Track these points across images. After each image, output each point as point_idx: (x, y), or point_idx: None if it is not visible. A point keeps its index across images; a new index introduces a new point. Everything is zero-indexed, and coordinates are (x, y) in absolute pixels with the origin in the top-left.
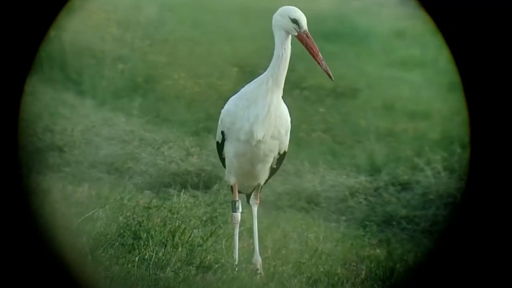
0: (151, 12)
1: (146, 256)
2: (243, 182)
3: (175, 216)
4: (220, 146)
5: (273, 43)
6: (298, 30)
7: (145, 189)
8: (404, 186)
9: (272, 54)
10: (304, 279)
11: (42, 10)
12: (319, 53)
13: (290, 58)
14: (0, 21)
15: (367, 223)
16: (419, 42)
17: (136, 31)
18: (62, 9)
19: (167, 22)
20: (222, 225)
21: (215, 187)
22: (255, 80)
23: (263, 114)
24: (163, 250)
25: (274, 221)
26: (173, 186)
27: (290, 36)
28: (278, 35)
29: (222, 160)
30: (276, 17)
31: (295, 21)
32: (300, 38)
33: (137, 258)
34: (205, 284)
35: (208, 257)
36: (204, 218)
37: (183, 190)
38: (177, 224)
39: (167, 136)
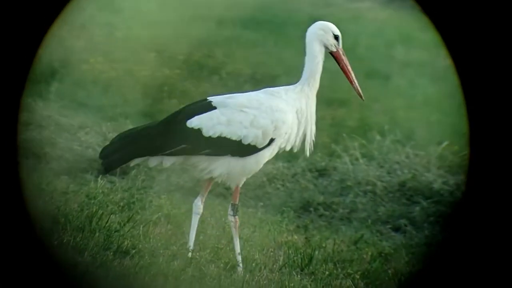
0: None
1: (65, 241)
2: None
3: (92, 201)
4: (246, 149)
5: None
6: (337, 46)
7: (62, 175)
8: (322, 173)
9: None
10: (221, 265)
11: None
12: (352, 73)
13: (209, 43)
14: None
15: (285, 209)
16: (338, 28)
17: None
18: None
19: (86, 8)
20: (139, 210)
21: (133, 173)
22: (288, 88)
23: (314, 131)
24: (80, 235)
25: (191, 208)
26: (90, 172)
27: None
28: (316, 48)
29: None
30: (318, 31)
31: (337, 38)
32: (337, 55)
33: (56, 242)
34: (123, 269)
35: (126, 243)
36: (121, 204)
37: (100, 176)
38: (94, 209)
39: (84, 121)
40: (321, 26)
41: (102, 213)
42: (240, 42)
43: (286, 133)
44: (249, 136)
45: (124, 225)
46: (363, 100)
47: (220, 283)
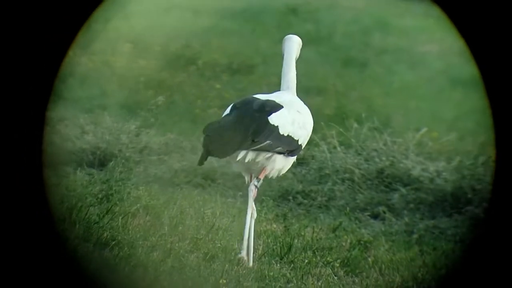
0: None
1: None
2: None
3: (71, 194)
4: (299, 148)
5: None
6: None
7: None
8: (300, 161)
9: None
10: (201, 255)
11: None
12: None
13: (185, 33)
14: None
15: (263, 198)
16: (313, 18)
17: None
18: None
19: None
20: (118, 202)
21: (111, 164)
22: (284, 93)
23: None
24: (61, 227)
25: (171, 198)
26: (69, 164)
27: None
28: (293, 59)
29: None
30: (296, 45)
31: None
32: None
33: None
34: (103, 260)
35: (105, 234)
36: (100, 196)
37: (79, 168)
38: (73, 201)
39: (62, 114)
40: (297, 40)
41: (82, 205)
42: (217, 31)
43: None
44: (303, 136)
45: (103, 217)
46: None
47: (199, 273)
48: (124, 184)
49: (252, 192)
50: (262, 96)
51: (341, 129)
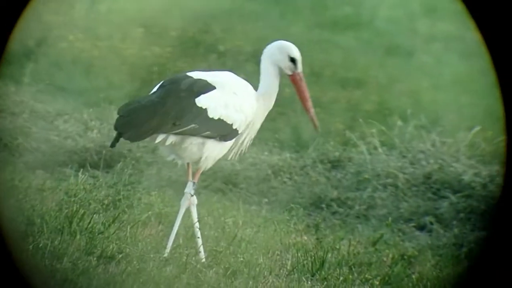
0: None
1: (41, 245)
2: None
3: (72, 199)
4: (233, 133)
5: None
6: (294, 70)
7: (37, 169)
8: (335, 164)
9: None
10: (221, 270)
11: None
12: (309, 99)
13: (205, 17)
14: None
15: (293, 206)
16: None
17: None
18: None
19: None
20: (126, 209)
21: (118, 166)
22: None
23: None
24: (59, 238)
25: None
26: (69, 165)
27: (280, 74)
28: (269, 69)
29: None
30: (273, 50)
31: (293, 60)
32: (293, 79)
33: (31, 247)
34: (108, 276)
35: (111, 246)
36: (105, 202)
37: (81, 170)
38: (74, 208)
39: (63, 108)
40: (277, 45)
41: (84, 212)
42: (241, 14)
43: (250, 123)
44: (238, 120)
45: (109, 226)
46: (318, 132)
47: None
48: (134, 188)
49: (188, 200)
50: (195, 74)
51: (383, 127)
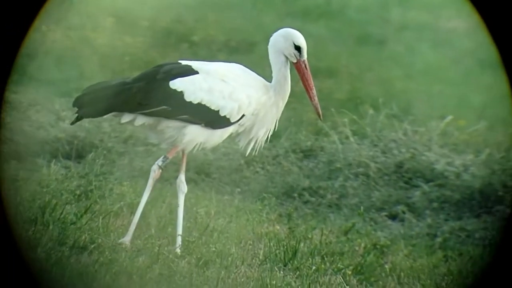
0: None
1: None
2: None
3: (44, 190)
4: (220, 120)
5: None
6: (298, 57)
7: (10, 159)
8: (307, 153)
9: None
10: (193, 260)
11: None
12: (314, 88)
13: (177, 6)
14: None
15: (265, 195)
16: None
17: None
18: None
19: None
20: (98, 200)
21: (90, 156)
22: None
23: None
24: (32, 229)
25: (159, 195)
26: (42, 156)
27: (289, 62)
28: (276, 58)
29: None
30: (278, 38)
31: (298, 48)
32: (298, 67)
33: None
34: (80, 266)
35: (83, 237)
36: (77, 192)
37: (53, 160)
38: (47, 199)
39: (34, 98)
40: (282, 33)
41: (56, 203)
42: (213, 4)
43: (253, 114)
44: (227, 107)
45: (81, 216)
46: (321, 120)
47: (191, 281)
48: (106, 179)
49: (155, 172)
50: (186, 62)
51: (354, 117)
